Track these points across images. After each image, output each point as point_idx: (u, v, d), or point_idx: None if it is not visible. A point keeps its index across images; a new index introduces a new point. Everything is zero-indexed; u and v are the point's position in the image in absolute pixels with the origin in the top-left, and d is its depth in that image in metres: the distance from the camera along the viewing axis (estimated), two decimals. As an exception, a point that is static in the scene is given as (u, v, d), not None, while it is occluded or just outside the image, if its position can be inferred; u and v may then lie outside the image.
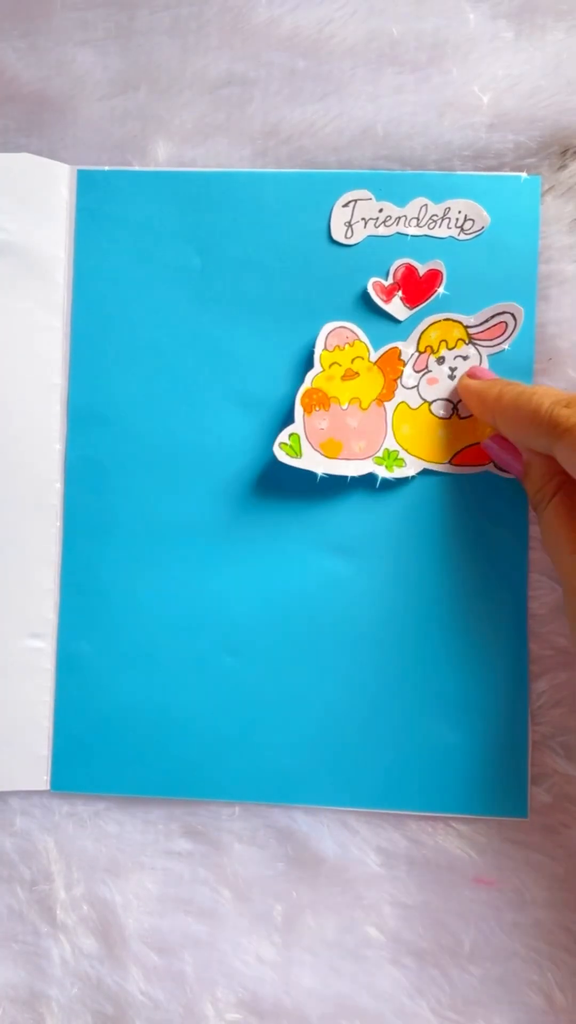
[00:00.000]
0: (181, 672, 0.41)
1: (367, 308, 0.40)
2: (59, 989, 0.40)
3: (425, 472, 0.40)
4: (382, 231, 0.40)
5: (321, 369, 0.40)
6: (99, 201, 0.41)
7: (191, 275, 0.41)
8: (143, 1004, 0.39)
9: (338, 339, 0.40)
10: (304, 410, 0.40)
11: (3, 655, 0.41)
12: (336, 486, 0.40)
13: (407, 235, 0.40)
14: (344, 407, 0.40)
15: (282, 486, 0.41)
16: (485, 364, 0.39)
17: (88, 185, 0.41)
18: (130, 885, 0.40)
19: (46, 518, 0.42)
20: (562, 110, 0.39)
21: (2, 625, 0.41)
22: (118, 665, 0.41)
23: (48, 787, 0.41)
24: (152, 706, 0.41)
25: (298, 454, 0.40)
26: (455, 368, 0.40)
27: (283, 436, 0.40)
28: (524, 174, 0.39)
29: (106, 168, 0.41)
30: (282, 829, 0.40)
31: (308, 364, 0.40)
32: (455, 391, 0.40)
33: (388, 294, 0.40)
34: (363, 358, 0.40)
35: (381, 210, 0.40)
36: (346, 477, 0.40)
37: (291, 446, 0.40)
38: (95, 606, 0.41)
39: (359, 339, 0.40)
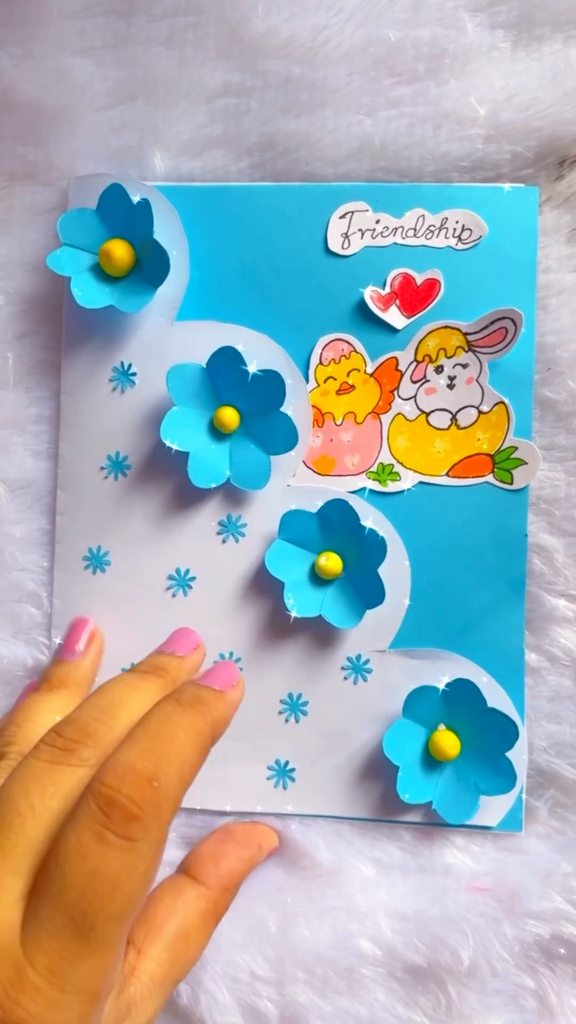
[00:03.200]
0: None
1: (365, 318, 0.39)
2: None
3: (422, 484, 0.38)
4: (379, 242, 0.38)
5: (316, 385, 0.39)
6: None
7: (189, 287, 0.39)
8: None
9: (334, 352, 0.39)
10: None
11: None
12: (335, 495, 0.39)
13: (404, 245, 0.38)
14: (338, 422, 0.39)
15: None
16: (485, 371, 0.38)
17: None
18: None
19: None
20: (559, 121, 0.38)
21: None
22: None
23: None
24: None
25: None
26: (454, 377, 0.38)
27: None
28: (522, 185, 0.38)
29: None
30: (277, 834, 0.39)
31: (306, 376, 0.39)
32: (454, 401, 0.38)
33: (385, 303, 0.38)
34: (359, 370, 0.39)
35: (378, 221, 0.38)
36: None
37: None
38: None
39: (355, 351, 0.39)
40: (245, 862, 0.35)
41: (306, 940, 0.38)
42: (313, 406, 0.39)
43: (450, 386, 0.38)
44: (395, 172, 0.38)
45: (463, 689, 0.37)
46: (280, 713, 0.39)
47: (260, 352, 0.38)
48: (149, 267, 0.38)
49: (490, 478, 0.38)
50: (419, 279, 0.38)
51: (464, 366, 0.38)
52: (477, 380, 0.38)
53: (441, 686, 0.37)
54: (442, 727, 0.37)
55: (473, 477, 0.38)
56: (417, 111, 0.38)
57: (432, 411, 0.38)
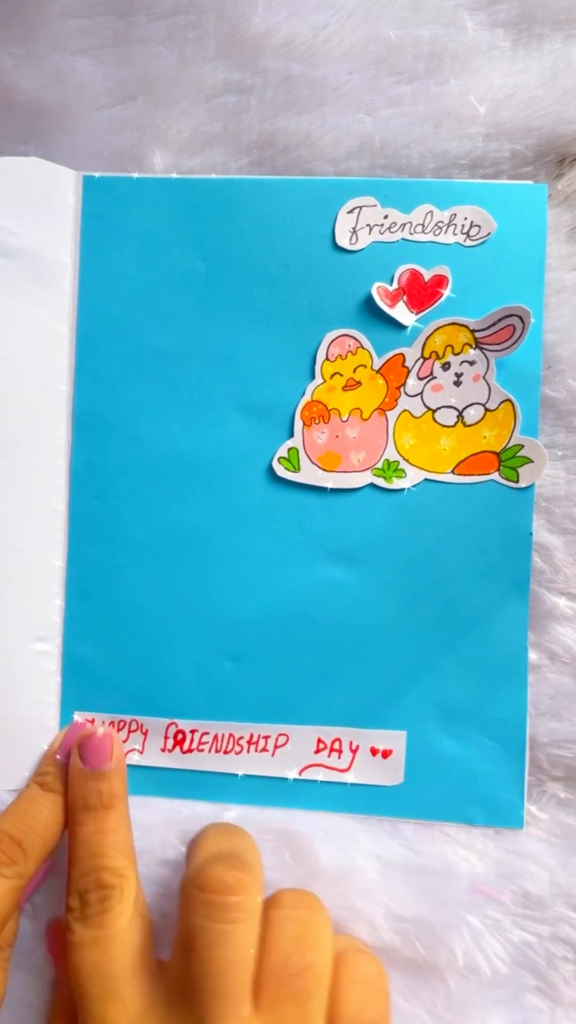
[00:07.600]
0: (182, 675, 0.38)
1: (372, 314, 0.37)
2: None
3: (427, 481, 0.37)
4: (387, 237, 0.37)
5: (322, 380, 0.37)
6: (104, 207, 0.38)
7: (196, 281, 0.38)
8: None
9: (340, 348, 0.37)
10: (304, 423, 0.37)
11: (11, 658, 0.38)
12: (339, 493, 0.38)
13: (412, 241, 0.37)
14: (344, 418, 0.37)
15: (285, 493, 0.38)
16: (492, 369, 0.37)
17: (93, 191, 0.39)
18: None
19: (51, 523, 0.39)
20: (559, 120, 0.37)
21: (9, 628, 0.39)
22: (121, 668, 0.38)
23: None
24: (154, 709, 0.38)
25: (296, 468, 0.37)
26: (461, 374, 0.37)
27: (282, 450, 0.37)
28: (530, 182, 0.37)
29: (111, 175, 0.39)
30: (280, 832, 0.37)
31: (312, 371, 0.37)
32: (460, 398, 0.37)
33: (393, 299, 0.37)
34: (366, 366, 0.37)
35: (386, 216, 0.37)
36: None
37: (290, 460, 0.37)
38: (99, 610, 0.39)
39: (362, 347, 0.37)
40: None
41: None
42: (319, 402, 0.37)
43: (457, 383, 0.37)
44: (395, 170, 0.37)
45: None
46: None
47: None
48: None
49: (496, 476, 0.37)
50: (427, 275, 0.37)
51: (471, 363, 0.37)
52: (484, 377, 0.37)
53: None
54: None
55: (479, 475, 0.37)
56: (417, 109, 0.37)
57: (438, 408, 0.37)
